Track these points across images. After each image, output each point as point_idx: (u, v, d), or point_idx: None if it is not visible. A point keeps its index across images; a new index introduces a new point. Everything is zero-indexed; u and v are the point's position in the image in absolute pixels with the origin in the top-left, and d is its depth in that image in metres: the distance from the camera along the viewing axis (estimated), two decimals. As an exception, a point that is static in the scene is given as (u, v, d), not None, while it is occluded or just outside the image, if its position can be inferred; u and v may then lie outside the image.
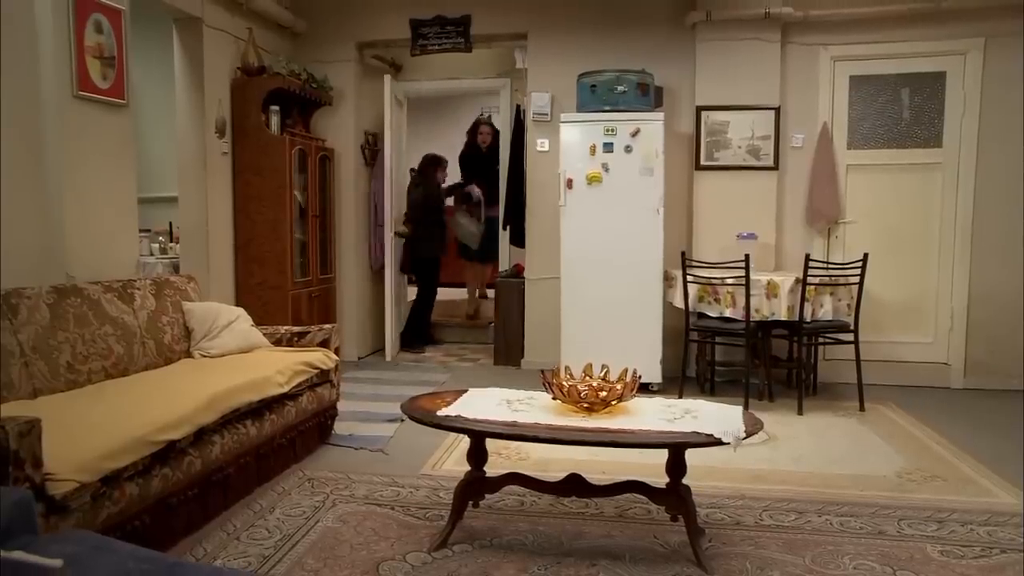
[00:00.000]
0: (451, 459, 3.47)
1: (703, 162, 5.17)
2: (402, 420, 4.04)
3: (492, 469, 2.72)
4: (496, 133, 7.05)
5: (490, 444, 2.75)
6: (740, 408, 2.60)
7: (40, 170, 3.22)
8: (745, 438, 2.32)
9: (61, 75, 3.26)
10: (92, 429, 2.24)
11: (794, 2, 5.00)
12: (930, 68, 5.02)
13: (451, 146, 7.49)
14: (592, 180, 4.77)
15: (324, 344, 3.78)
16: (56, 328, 2.79)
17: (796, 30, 5.09)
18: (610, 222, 4.77)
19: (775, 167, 5.12)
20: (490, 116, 7.44)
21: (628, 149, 4.73)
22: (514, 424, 2.41)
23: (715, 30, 5.07)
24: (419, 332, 6.44)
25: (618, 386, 2.53)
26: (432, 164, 6.49)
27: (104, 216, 3.56)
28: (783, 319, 4.43)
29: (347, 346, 5.62)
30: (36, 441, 1.89)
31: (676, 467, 2.46)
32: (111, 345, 3.04)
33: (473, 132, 7.12)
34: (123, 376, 3.05)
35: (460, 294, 7.50)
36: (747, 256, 4.33)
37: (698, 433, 2.29)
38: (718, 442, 2.24)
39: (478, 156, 7.06)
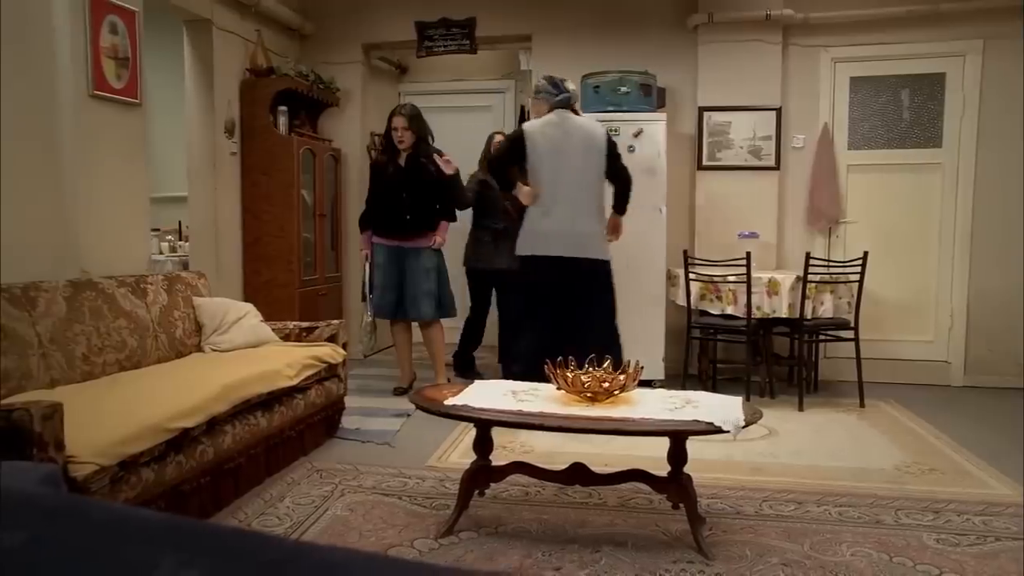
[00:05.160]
0: (456, 452, 3.53)
1: (705, 162, 5.24)
2: (408, 415, 4.12)
3: (497, 462, 2.78)
4: (420, 134, 4.53)
5: (495, 438, 2.81)
6: (740, 399, 2.65)
7: (57, 168, 3.29)
8: (745, 426, 2.37)
9: (77, 75, 3.33)
10: (109, 416, 2.31)
11: (795, 4, 5.07)
12: (930, 69, 5.09)
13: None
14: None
15: (332, 340, 3.84)
16: (72, 321, 2.86)
17: (797, 32, 5.16)
18: (613, 221, 4.82)
19: (776, 167, 5.19)
20: (411, 108, 4.58)
21: (631, 149, 4.79)
22: (519, 413, 2.48)
23: (717, 32, 5.14)
24: (463, 357, 5.28)
25: (620, 377, 2.59)
26: (488, 141, 5.16)
27: (118, 213, 3.63)
28: (784, 317, 4.50)
29: (355, 344, 5.67)
30: (59, 425, 1.96)
31: (677, 456, 2.52)
32: (125, 338, 3.11)
33: (387, 130, 4.61)
34: (136, 368, 3.12)
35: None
36: (748, 254, 4.39)
37: (698, 421, 2.35)
38: (718, 430, 2.30)
39: (392, 170, 4.56)
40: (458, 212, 4.77)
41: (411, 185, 4.54)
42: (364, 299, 4.82)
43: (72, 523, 0.65)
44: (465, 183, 4.92)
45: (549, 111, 3.98)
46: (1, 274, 2.78)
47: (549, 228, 3.92)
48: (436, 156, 4.48)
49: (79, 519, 0.66)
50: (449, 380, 4.73)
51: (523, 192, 4.02)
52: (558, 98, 3.97)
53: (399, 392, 4.67)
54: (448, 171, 4.46)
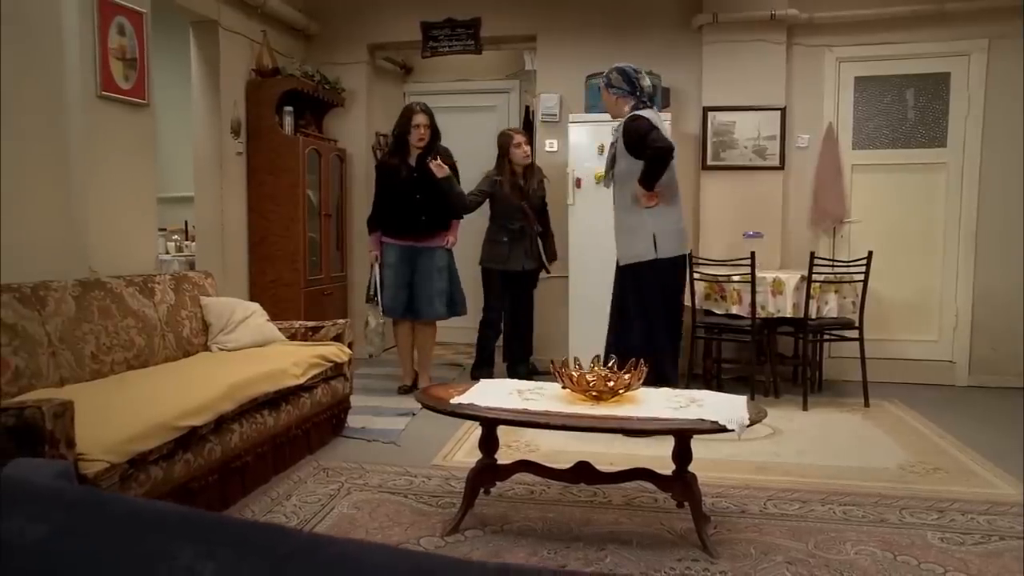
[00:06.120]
0: (462, 451, 3.54)
1: (710, 162, 5.24)
2: (413, 414, 4.13)
3: (502, 460, 2.79)
4: (436, 132, 4.59)
5: (500, 437, 2.82)
6: (744, 398, 2.66)
7: (65, 168, 3.32)
8: (749, 425, 2.38)
9: (85, 76, 3.36)
10: (119, 414, 2.33)
11: (799, 4, 5.07)
12: (934, 69, 5.08)
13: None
14: (600, 179, 4.84)
15: (337, 339, 3.86)
16: (81, 320, 2.89)
17: (801, 32, 5.16)
18: (618, 221, 4.83)
19: (781, 167, 5.19)
20: (427, 106, 4.62)
21: (635, 149, 4.80)
22: (525, 411, 2.49)
23: (721, 32, 5.14)
24: (481, 361, 5.15)
25: (625, 376, 2.60)
26: (504, 141, 4.98)
27: (125, 213, 3.65)
28: (788, 316, 4.50)
29: (360, 343, 5.69)
30: (69, 422, 1.98)
31: (682, 454, 2.53)
32: (133, 337, 3.13)
33: (403, 129, 4.57)
34: (144, 367, 3.14)
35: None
36: (753, 254, 4.40)
37: (703, 420, 2.36)
38: (723, 429, 2.31)
39: (405, 170, 4.57)
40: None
41: (425, 185, 4.55)
42: (368, 300, 4.83)
43: (92, 516, 0.67)
44: (477, 184, 4.92)
45: (632, 108, 3.75)
46: (12, 273, 2.80)
47: (684, 226, 3.85)
48: (430, 159, 4.49)
49: (99, 512, 0.67)
50: (431, 379, 4.76)
51: (646, 192, 3.70)
52: (647, 97, 3.77)
53: (404, 391, 4.69)
54: (440, 174, 4.47)
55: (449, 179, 4.53)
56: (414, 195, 4.56)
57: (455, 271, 4.76)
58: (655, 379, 2.87)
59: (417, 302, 4.64)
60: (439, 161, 4.48)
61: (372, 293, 4.76)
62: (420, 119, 4.52)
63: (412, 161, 4.59)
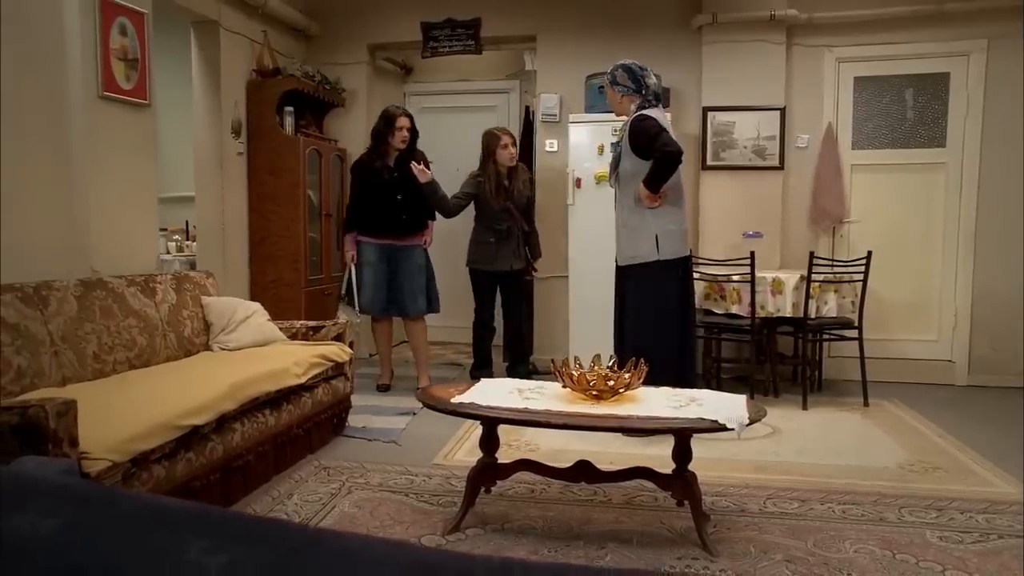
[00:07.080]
0: (462, 450, 3.56)
1: (709, 162, 5.25)
2: (414, 414, 4.14)
3: (503, 459, 2.80)
4: (416, 135, 4.72)
5: (501, 436, 2.82)
6: (744, 397, 2.67)
7: (66, 168, 3.33)
8: (749, 424, 2.39)
9: (87, 76, 3.37)
10: (121, 413, 2.34)
11: (799, 4, 5.08)
12: (934, 69, 5.09)
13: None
14: (600, 179, 4.86)
15: (338, 339, 3.88)
16: (83, 319, 2.90)
17: (801, 32, 5.17)
18: (618, 221, 4.84)
19: (780, 167, 5.20)
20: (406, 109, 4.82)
21: (635, 149, 4.81)
22: (525, 411, 2.50)
23: (721, 32, 5.15)
24: (479, 361, 5.14)
25: (625, 375, 2.61)
26: (490, 142, 4.91)
27: (126, 213, 3.66)
28: (788, 316, 4.51)
29: (360, 343, 5.70)
30: (72, 421, 1.99)
31: (682, 453, 2.54)
32: (135, 336, 3.14)
33: (384, 131, 4.66)
34: (146, 367, 3.15)
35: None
36: (752, 254, 4.41)
37: (703, 419, 2.37)
38: (722, 428, 2.32)
39: (386, 170, 4.66)
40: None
41: (406, 184, 4.61)
42: (340, 298, 4.84)
43: (102, 511, 0.68)
44: (460, 186, 4.92)
45: (637, 107, 3.69)
46: (14, 273, 2.81)
47: (687, 227, 3.84)
48: (413, 164, 4.53)
49: (109, 507, 0.68)
50: (429, 378, 4.78)
51: (649, 194, 3.64)
52: (653, 95, 3.71)
53: (383, 389, 4.76)
54: (423, 179, 4.52)
55: (432, 184, 4.59)
56: (395, 195, 4.63)
57: (431, 269, 4.85)
58: (654, 380, 2.86)
59: (402, 299, 4.71)
60: (422, 166, 4.53)
61: (343, 292, 4.78)
62: (404, 122, 4.63)
63: (390, 161, 4.67)
